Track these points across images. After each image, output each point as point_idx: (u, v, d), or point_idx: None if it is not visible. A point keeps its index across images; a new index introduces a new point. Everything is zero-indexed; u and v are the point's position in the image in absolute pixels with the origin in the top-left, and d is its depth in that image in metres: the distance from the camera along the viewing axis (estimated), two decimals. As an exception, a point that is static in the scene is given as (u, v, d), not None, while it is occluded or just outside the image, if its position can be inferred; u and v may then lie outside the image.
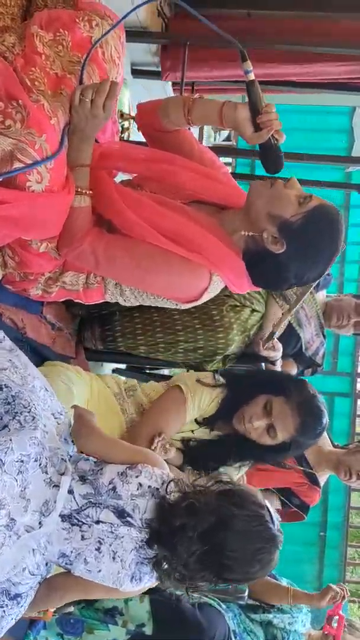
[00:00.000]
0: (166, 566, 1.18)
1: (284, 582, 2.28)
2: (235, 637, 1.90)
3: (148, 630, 1.81)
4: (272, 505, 2.39)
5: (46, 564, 1.19)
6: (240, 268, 1.58)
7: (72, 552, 1.17)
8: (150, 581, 1.22)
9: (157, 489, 1.21)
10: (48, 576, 1.23)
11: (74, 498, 1.18)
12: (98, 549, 1.17)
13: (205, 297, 1.59)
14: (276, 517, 1.26)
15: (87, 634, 1.82)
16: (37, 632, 1.83)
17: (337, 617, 2.22)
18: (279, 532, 1.24)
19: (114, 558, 1.17)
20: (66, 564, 1.19)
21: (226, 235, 1.57)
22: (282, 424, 1.67)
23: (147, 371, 2.52)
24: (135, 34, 2.77)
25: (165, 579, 1.20)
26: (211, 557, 1.17)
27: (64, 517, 1.17)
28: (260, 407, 1.67)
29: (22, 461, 1.11)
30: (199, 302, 1.60)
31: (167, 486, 1.22)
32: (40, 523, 1.13)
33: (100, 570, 1.18)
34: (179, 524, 1.16)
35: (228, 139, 7.87)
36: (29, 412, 1.17)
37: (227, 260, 1.54)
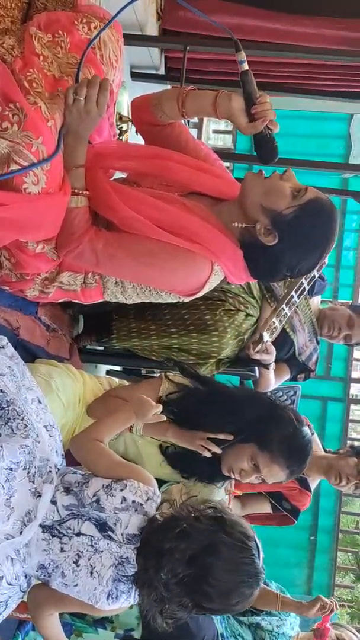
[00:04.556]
0: (147, 584, 1.17)
1: (274, 585, 2.28)
2: (224, 640, 1.91)
3: (137, 634, 1.81)
4: (263, 509, 2.42)
5: (26, 577, 1.18)
6: (239, 258, 1.58)
7: (50, 564, 1.16)
8: (127, 601, 1.21)
9: (141, 504, 1.21)
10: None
11: (57, 509, 1.18)
12: (76, 562, 1.16)
13: (207, 288, 1.59)
14: (261, 554, 1.26)
15: (75, 637, 1.82)
16: (25, 633, 1.83)
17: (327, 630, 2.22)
18: (262, 568, 1.24)
19: (91, 573, 1.16)
20: (44, 576, 1.18)
21: (223, 226, 1.57)
22: (272, 478, 1.68)
23: (142, 373, 2.53)
24: (134, 37, 2.78)
25: (145, 598, 1.19)
26: (193, 582, 1.16)
27: (45, 528, 1.17)
28: (247, 463, 1.64)
29: (11, 469, 1.11)
30: (201, 294, 1.60)
31: (158, 506, 1.23)
32: (20, 532, 1.13)
33: (76, 585, 1.16)
34: (168, 547, 1.16)
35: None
36: (22, 419, 1.17)
37: (227, 249, 1.55)
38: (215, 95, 1.55)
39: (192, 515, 1.21)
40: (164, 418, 1.39)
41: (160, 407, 1.37)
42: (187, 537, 1.17)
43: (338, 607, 2.23)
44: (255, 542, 1.24)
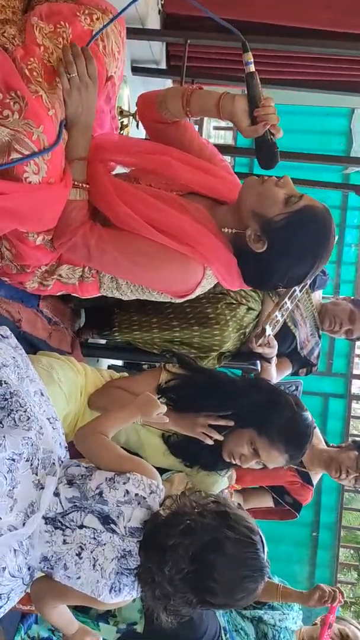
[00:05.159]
0: (150, 580, 1.16)
1: (276, 579, 2.28)
2: (226, 634, 1.90)
3: (139, 628, 1.80)
4: (265, 503, 2.42)
5: (29, 569, 1.18)
6: (232, 264, 1.56)
7: (52, 556, 1.16)
8: (130, 594, 1.20)
9: (144, 497, 1.20)
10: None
11: (60, 501, 1.18)
12: (79, 555, 1.16)
13: (198, 291, 1.58)
14: (266, 548, 1.25)
15: None
16: (28, 626, 1.83)
17: (330, 619, 2.21)
18: (267, 562, 1.23)
19: (94, 566, 1.16)
20: (47, 568, 1.18)
21: (219, 229, 1.55)
22: (271, 463, 1.69)
23: (144, 368, 2.52)
24: (135, 31, 2.78)
25: (148, 594, 1.19)
26: (198, 578, 1.15)
27: (47, 520, 1.17)
28: (246, 448, 1.66)
29: (13, 460, 1.11)
30: (192, 296, 1.59)
31: (161, 502, 1.22)
32: (23, 523, 1.12)
33: (79, 577, 1.16)
34: (172, 543, 1.15)
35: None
36: (24, 411, 1.16)
37: (220, 254, 1.53)
38: (220, 97, 1.53)
39: (196, 510, 1.21)
40: (167, 420, 1.39)
41: (164, 409, 1.37)
42: (191, 533, 1.16)
43: (344, 595, 2.22)
44: (260, 536, 1.24)
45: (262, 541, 1.24)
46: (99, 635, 1.39)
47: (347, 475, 2.33)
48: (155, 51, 3.23)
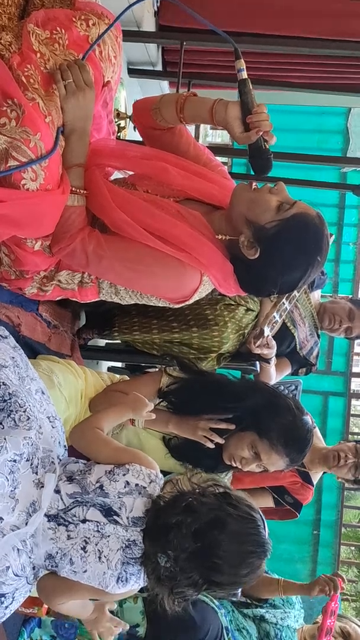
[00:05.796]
0: (155, 563, 1.18)
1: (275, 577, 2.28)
2: (228, 634, 1.91)
3: (141, 630, 1.81)
4: (266, 504, 2.42)
5: (33, 568, 1.19)
6: (228, 269, 1.57)
7: (57, 552, 1.17)
8: (137, 583, 1.22)
9: (145, 487, 1.22)
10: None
11: (61, 498, 1.19)
12: (84, 549, 1.17)
13: (196, 297, 1.58)
14: (266, 526, 1.27)
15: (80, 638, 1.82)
16: (31, 630, 1.83)
17: (331, 606, 2.20)
18: (268, 539, 1.25)
19: (99, 558, 1.17)
20: (52, 566, 1.19)
21: (215, 235, 1.56)
22: (272, 466, 1.70)
23: (145, 370, 2.53)
24: (131, 33, 2.78)
25: (153, 577, 1.20)
26: (202, 556, 1.17)
27: (50, 517, 1.18)
28: (247, 451, 1.67)
29: (14, 461, 1.12)
30: (189, 302, 1.59)
31: (162, 486, 1.24)
32: (26, 523, 1.13)
33: (85, 571, 1.17)
34: (174, 521, 1.17)
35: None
36: (24, 411, 1.17)
37: (216, 261, 1.53)
38: (213, 103, 1.54)
39: (197, 491, 1.23)
40: (154, 416, 1.41)
41: (152, 406, 1.40)
42: (193, 511, 1.18)
43: (344, 580, 2.21)
44: (260, 514, 1.26)
45: (262, 519, 1.26)
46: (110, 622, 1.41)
47: (346, 461, 2.32)
48: (151, 53, 3.23)
